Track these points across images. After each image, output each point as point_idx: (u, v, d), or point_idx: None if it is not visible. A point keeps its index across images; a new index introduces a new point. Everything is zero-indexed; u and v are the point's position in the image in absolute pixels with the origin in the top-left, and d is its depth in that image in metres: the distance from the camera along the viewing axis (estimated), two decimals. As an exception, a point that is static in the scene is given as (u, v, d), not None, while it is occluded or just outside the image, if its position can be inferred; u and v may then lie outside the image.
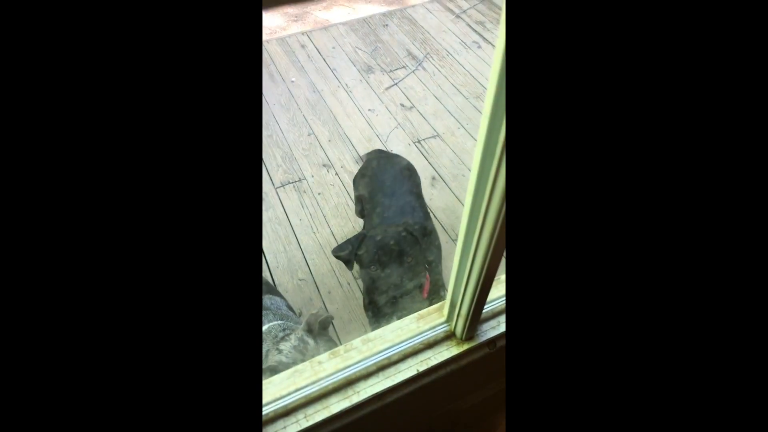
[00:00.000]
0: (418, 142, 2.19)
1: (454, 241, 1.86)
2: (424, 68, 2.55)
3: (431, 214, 1.92)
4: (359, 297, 1.70)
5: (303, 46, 2.70)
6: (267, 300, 1.15)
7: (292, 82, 2.47)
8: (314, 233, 1.88)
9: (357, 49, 2.67)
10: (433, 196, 1.98)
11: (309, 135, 2.22)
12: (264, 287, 1.17)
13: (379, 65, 2.57)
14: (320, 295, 1.71)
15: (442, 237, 1.86)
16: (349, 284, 1.75)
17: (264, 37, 2.75)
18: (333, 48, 2.69)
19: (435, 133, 2.23)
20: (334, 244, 1.83)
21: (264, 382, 0.66)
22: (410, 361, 0.72)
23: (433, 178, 2.06)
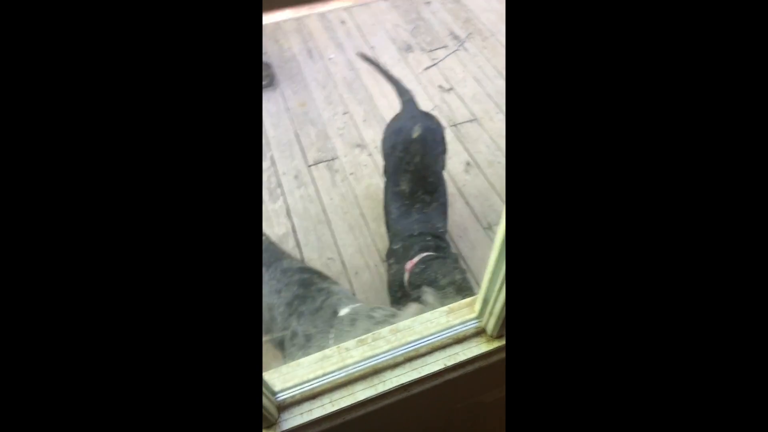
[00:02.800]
0: (455, 125, 2.14)
1: (485, 229, 1.82)
2: (465, 49, 2.46)
3: (464, 199, 1.89)
4: (386, 279, 1.71)
5: (343, 23, 2.65)
6: (335, 287, 1.15)
7: (330, 59, 2.45)
8: (344, 213, 1.88)
9: (397, 27, 2.61)
10: (466, 182, 1.94)
11: (344, 114, 2.21)
12: (319, 275, 1.18)
13: (418, 44, 2.50)
14: (347, 275, 1.72)
15: (474, 225, 1.82)
16: (376, 266, 1.75)
17: (303, 11, 2.71)
18: (373, 25, 2.63)
19: (473, 117, 2.17)
20: (364, 225, 1.84)
21: (292, 364, 0.67)
22: (438, 355, 0.71)
23: (468, 164, 2.01)
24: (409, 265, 1.19)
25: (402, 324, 0.73)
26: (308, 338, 1.02)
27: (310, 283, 1.14)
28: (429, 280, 1.15)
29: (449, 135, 2.08)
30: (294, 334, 1.09)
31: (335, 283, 1.18)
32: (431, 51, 2.46)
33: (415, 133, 1.42)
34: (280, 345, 1.15)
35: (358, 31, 2.59)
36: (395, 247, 1.35)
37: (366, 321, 0.88)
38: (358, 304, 1.06)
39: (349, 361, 0.68)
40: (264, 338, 1.20)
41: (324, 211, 1.88)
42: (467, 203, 1.88)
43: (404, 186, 1.38)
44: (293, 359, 0.69)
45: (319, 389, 0.67)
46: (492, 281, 0.66)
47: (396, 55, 2.45)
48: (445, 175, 1.51)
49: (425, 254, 1.20)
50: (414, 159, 1.40)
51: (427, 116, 1.49)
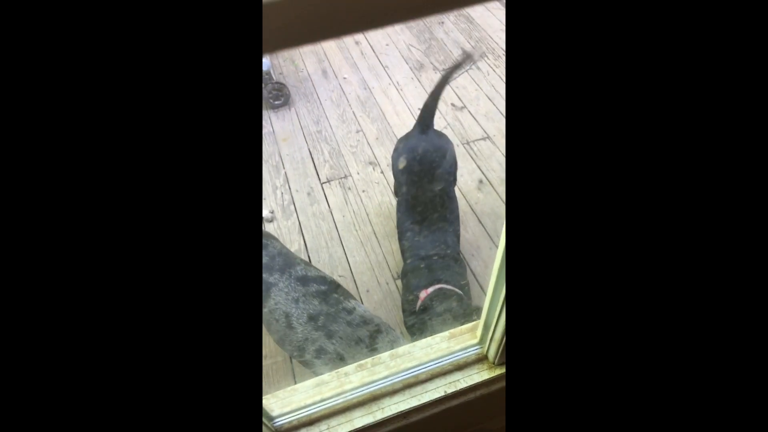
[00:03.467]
0: (467, 143, 2.14)
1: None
2: (478, 68, 2.47)
3: (477, 218, 1.87)
4: (397, 297, 1.70)
5: (357, 43, 2.70)
6: (361, 308, 1.16)
7: (344, 78, 2.49)
8: (356, 230, 1.88)
9: (410, 47, 2.64)
10: (479, 200, 1.93)
11: (357, 132, 2.23)
12: (339, 291, 1.19)
13: (431, 63, 2.53)
14: (358, 292, 1.72)
15: (487, 243, 1.80)
16: (387, 283, 1.74)
17: (320, 33, 2.77)
18: (387, 45, 2.67)
19: (485, 135, 2.16)
20: (375, 243, 1.83)
21: (289, 389, 0.67)
22: (438, 382, 0.70)
23: (480, 182, 2.00)
24: (423, 294, 1.18)
25: (402, 349, 0.72)
26: (341, 357, 1.03)
27: (336, 302, 1.15)
28: (438, 312, 1.14)
29: (461, 152, 2.08)
30: (321, 351, 1.09)
31: (357, 301, 1.19)
32: (444, 70, 2.48)
33: (419, 150, 1.42)
34: (301, 357, 1.15)
35: (372, 50, 2.64)
36: (408, 267, 1.35)
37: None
38: (396, 334, 1.07)
39: (348, 386, 0.68)
40: (280, 355, 1.20)
41: (336, 228, 1.89)
42: (480, 221, 1.86)
43: (415, 205, 1.38)
44: (318, 374, 0.69)
45: (316, 415, 0.66)
46: (492, 306, 0.65)
47: (409, 75, 2.47)
48: (457, 192, 1.50)
49: (439, 287, 1.19)
50: (422, 177, 1.40)
51: (436, 134, 1.49)
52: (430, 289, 1.18)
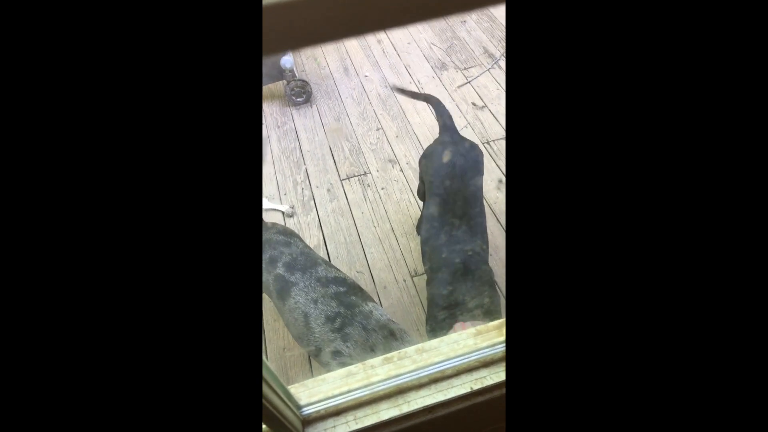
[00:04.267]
0: (488, 142, 2.13)
1: (517, 249, 1.79)
2: (499, 67, 2.46)
3: (495, 217, 1.86)
4: (414, 295, 1.70)
5: (379, 41, 2.71)
6: (378, 312, 1.17)
7: (366, 77, 2.50)
8: (375, 227, 1.89)
9: (432, 46, 2.64)
10: (498, 199, 1.92)
11: (377, 130, 2.24)
12: (357, 292, 1.20)
13: (453, 62, 2.52)
14: (376, 289, 1.73)
15: (505, 243, 1.79)
16: (404, 280, 1.75)
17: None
18: (408, 44, 2.67)
19: (505, 135, 2.15)
20: (394, 240, 1.84)
21: (317, 379, 0.68)
22: (464, 378, 0.70)
23: (500, 181, 1.99)
24: (458, 326, 1.18)
25: (428, 344, 0.72)
26: (354, 360, 1.04)
27: (354, 305, 1.16)
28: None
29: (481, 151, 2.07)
30: (337, 352, 1.10)
31: (375, 304, 1.19)
32: (465, 69, 2.47)
33: (446, 157, 1.42)
34: (317, 357, 1.16)
35: (394, 49, 2.64)
36: (430, 271, 1.35)
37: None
38: (412, 339, 1.08)
39: (374, 379, 0.68)
40: (299, 348, 1.21)
41: (354, 224, 1.90)
42: (499, 221, 1.86)
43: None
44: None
45: (343, 406, 0.67)
46: (521, 305, 0.65)
47: (430, 73, 2.47)
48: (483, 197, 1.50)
49: (476, 322, 1.19)
50: (447, 183, 1.39)
51: (464, 141, 1.49)
52: (468, 323, 1.17)
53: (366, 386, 0.68)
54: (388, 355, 0.72)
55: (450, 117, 1.56)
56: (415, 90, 1.75)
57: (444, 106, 1.60)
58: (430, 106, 1.69)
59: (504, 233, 1.83)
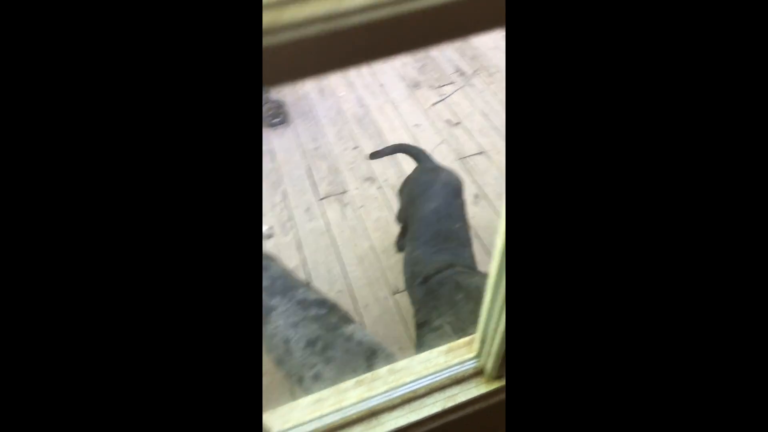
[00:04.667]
0: (463, 158, 2.17)
1: (496, 262, 1.81)
2: (472, 84, 2.52)
3: (474, 232, 1.88)
4: (395, 312, 1.70)
5: (353, 61, 2.75)
6: (360, 333, 1.16)
7: (341, 96, 2.53)
8: (354, 246, 1.90)
9: (405, 65, 2.69)
10: (475, 214, 1.95)
11: (354, 149, 2.26)
12: (339, 315, 1.19)
13: (426, 81, 2.57)
14: (357, 308, 1.72)
15: (484, 259, 1.81)
16: (385, 298, 1.75)
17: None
18: (382, 63, 2.72)
19: (480, 150, 2.19)
20: (373, 258, 1.84)
21: (287, 406, 0.68)
22: (437, 396, 0.71)
23: (476, 196, 2.02)
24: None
25: (400, 364, 0.73)
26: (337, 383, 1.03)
27: (334, 327, 1.15)
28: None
29: (457, 167, 2.11)
30: (318, 376, 1.09)
31: (357, 324, 1.18)
32: (439, 87, 2.52)
33: (433, 203, 1.45)
34: (299, 382, 1.15)
35: (368, 69, 2.69)
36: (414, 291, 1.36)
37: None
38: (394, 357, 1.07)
39: (346, 403, 0.68)
40: (278, 371, 1.20)
41: (334, 243, 1.90)
42: (477, 235, 1.88)
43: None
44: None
45: None
46: (488, 319, 0.66)
47: (404, 92, 2.52)
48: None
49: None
50: (433, 229, 1.40)
51: (443, 170, 1.54)
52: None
53: (338, 410, 0.68)
54: (361, 377, 0.72)
55: (423, 151, 1.62)
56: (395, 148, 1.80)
57: (411, 145, 1.68)
58: (405, 154, 1.73)
59: (482, 247, 1.85)
